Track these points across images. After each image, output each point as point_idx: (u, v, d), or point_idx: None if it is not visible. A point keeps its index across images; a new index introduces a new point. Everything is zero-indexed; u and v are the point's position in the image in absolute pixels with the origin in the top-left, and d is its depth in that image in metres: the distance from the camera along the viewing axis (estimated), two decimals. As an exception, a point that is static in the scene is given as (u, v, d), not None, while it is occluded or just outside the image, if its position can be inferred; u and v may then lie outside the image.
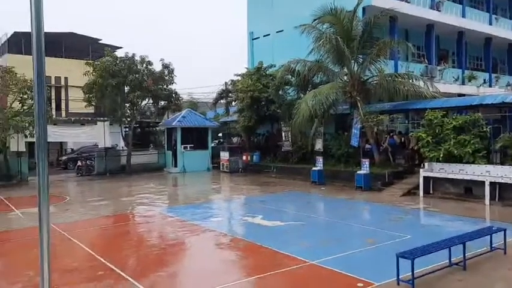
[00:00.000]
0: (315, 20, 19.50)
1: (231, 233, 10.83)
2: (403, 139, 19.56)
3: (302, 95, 21.18)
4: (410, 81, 18.47)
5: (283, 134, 23.49)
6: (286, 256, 8.27)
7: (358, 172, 17.26)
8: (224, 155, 25.95)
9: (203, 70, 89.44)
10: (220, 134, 35.92)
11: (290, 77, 22.36)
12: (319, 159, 19.38)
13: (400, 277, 6.47)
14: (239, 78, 27.14)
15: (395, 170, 17.85)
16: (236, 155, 26.04)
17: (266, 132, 27.49)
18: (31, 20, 3.01)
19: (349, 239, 10.01)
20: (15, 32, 30.50)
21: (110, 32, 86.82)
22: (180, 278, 7.75)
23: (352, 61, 19.05)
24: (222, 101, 34.14)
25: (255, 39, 30.17)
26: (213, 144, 29.88)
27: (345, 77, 19.75)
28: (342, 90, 18.89)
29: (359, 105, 18.08)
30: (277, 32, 27.69)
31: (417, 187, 15.65)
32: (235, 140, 33.36)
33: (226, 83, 31.96)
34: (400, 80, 18.39)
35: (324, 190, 17.65)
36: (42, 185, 3.11)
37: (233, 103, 29.53)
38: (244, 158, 25.69)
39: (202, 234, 10.61)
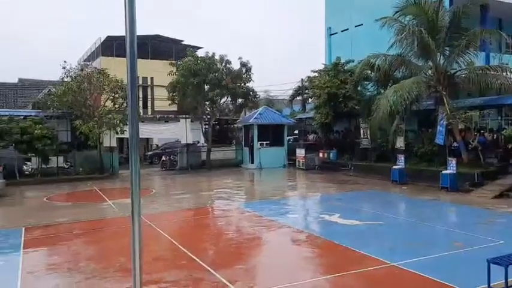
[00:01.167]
0: (396, 12, 18.68)
1: (308, 230, 10.80)
2: (495, 137, 18.06)
3: (382, 91, 20.43)
4: (504, 74, 16.97)
5: (361, 130, 22.86)
6: (365, 256, 8.06)
7: (444, 172, 16.25)
8: (300, 152, 25.90)
9: (279, 68, 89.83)
10: (296, 131, 35.91)
11: (369, 72, 21.66)
12: (401, 157, 18.58)
13: (491, 285, 6.00)
14: (316, 74, 26.91)
15: (486, 170, 16.53)
16: (312, 152, 25.87)
17: (343, 129, 26.95)
18: (125, 26, 3.23)
19: (433, 241, 9.47)
20: (108, 37, 33.05)
21: (191, 33, 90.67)
22: (258, 272, 7.91)
23: (438, 54, 17.96)
24: (298, 97, 34.11)
25: (332, 34, 29.65)
26: (290, 140, 29.97)
27: (430, 71, 18.69)
28: (426, 84, 17.90)
29: (445, 100, 17.01)
30: (356, 26, 26.96)
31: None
32: (311, 137, 33.15)
33: (302, 79, 31.88)
34: (492, 72, 16.98)
35: (405, 190, 16.90)
36: (134, 179, 3.33)
37: (309, 100, 29.36)
38: (320, 155, 25.45)
39: (278, 230, 10.72)
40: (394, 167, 18.61)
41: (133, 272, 3.37)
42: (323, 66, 27.04)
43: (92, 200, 16.24)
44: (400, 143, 19.60)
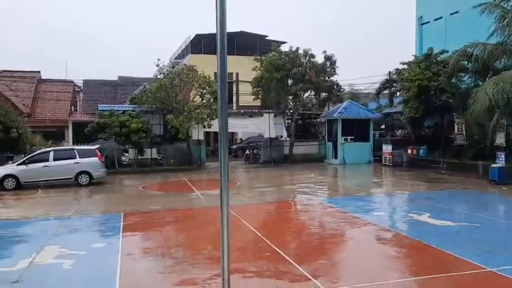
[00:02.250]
0: (498, -4, 17.15)
1: (394, 228, 10.38)
2: None
3: (480, 83, 18.89)
4: None
5: (455, 126, 21.34)
6: (458, 259, 7.55)
7: (553, 172, 14.61)
8: (387, 148, 24.96)
9: (365, 61, 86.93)
10: (382, 126, 34.56)
11: (466, 63, 20.11)
12: (501, 155, 17.04)
13: None
14: (405, 66, 25.63)
15: None
16: (400, 148, 24.77)
17: (434, 125, 25.37)
18: (216, 26, 3.37)
19: (539, 248, 8.58)
20: (196, 35, 34.54)
21: (275, 28, 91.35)
22: (342, 268, 7.80)
23: (548, 41, 16.14)
24: (385, 91, 32.76)
25: (424, 24, 28.01)
26: (375, 136, 28.97)
27: (537, 60, 16.88)
28: (533, 75, 16.17)
29: (556, 92, 15.25)
30: (450, 14, 25.19)
31: None
32: (399, 132, 31.69)
33: (390, 72, 30.53)
34: None
35: (505, 190, 15.47)
36: (223, 172, 3.48)
37: (398, 93, 28.08)
38: (409, 151, 24.28)
39: (363, 227, 10.44)
40: (493, 165, 17.13)
41: (222, 260, 3.53)
42: (413, 57, 25.66)
43: (182, 190, 17.21)
44: (500, 139, 17.97)
